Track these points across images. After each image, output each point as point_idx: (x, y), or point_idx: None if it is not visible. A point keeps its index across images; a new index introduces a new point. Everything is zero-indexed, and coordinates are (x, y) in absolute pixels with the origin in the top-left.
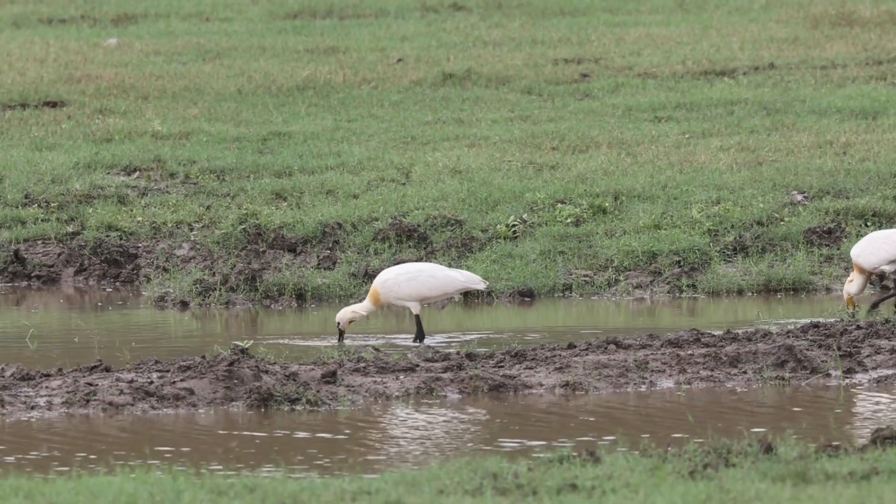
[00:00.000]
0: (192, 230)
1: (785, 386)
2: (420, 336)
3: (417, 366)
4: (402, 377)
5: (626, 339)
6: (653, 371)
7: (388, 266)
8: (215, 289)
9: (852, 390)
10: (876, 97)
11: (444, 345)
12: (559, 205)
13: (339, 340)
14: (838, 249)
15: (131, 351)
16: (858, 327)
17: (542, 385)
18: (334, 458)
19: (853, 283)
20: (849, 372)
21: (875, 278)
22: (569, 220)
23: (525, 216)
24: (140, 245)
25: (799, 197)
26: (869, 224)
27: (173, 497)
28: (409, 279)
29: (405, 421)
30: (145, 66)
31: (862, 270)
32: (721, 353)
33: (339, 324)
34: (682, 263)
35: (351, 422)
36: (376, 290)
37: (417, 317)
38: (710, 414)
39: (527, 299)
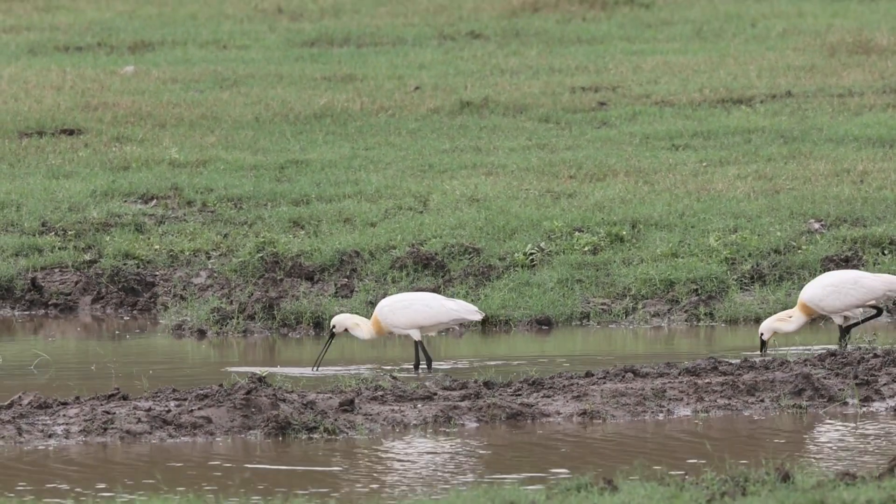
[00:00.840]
0: (209, 258)
1: (802, 414)
2: (417, 364)
3: (435, 394)
4: (419, 405)
5: (643, 368)
6: (670, 399)
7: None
8: (233, 317)
9: (869, 419)
10: (893, 125)
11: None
12: (577, 233)
13: (328, 339)
14: None
15: (149, 379)
16: (875, 356)
17: (559, 413)
18: (352, 487)
19: (791, 322)
20: (866, 400)
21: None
22: (586, 249)
23: (542, 244)
24: (157, 273)
25: (816, 225)
26: (886, 252)
27: None
28: (404, 307)
29: (422, 449)
30: (162, 93)
31: (811, 312)
32: (738, 382)
33: (333, 327)
34: (699, 292)
35: (369, 450)
36: (376, 317)
37: (418, 344)
38: (727, 442)
39: (544, 328)
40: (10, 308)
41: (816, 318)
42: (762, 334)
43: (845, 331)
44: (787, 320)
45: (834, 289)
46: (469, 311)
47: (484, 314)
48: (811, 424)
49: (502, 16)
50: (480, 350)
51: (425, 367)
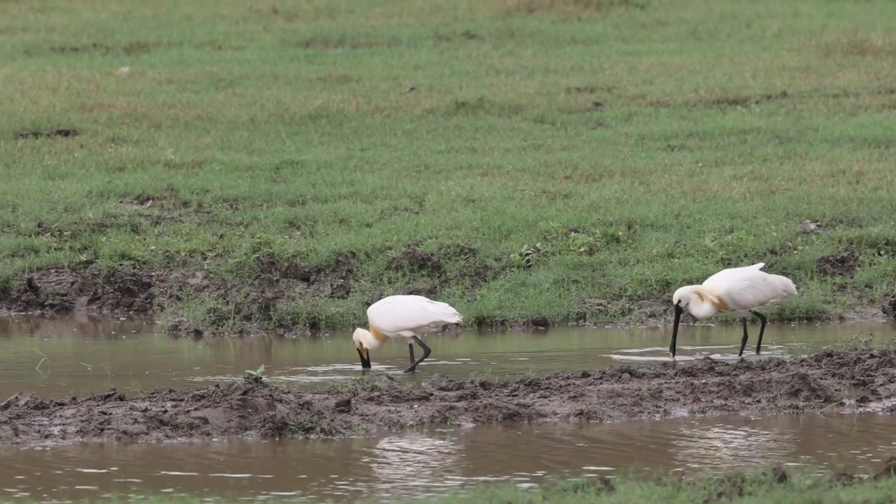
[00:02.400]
0: (205, 259)
1: (799, 415)
2: (413, 367)
3: (432, 395)
4: (416, 406)
5: (639, 368)
6: (667, 400)
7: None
8: (229, 317)
9: (866, 419)
10: (889, 126)
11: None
12: (572, 233)
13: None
14: (851, 278)
15: (144, 380)
16: (872, 356)
17: (556, 414)
18: (349, 488)
19: (702, 307)
20: (862, 401)
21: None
22: (582, 249)
23: (538, 245)
24: (153, 274)
25: (812, 226)
26: (882, 253)
27: None
28: (388, 310)
29: (419, 450)
30: (158, 94)
31: (723, 306)
32: (735, 382)
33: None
34: None
35: (365, 451)
36: (370, 323)
37: (410, 345)
38: (724, 442)
39: (541, 328)
40: (6, 309)
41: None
42: (679, 300)
43: (745, 338)
44: (699, 301)
45: (749, 283)
46: (447, 314)
47: (461, 317)
48: (808, 425)
49: (497, 16)
50: (476, 349)
51: (418, 365)
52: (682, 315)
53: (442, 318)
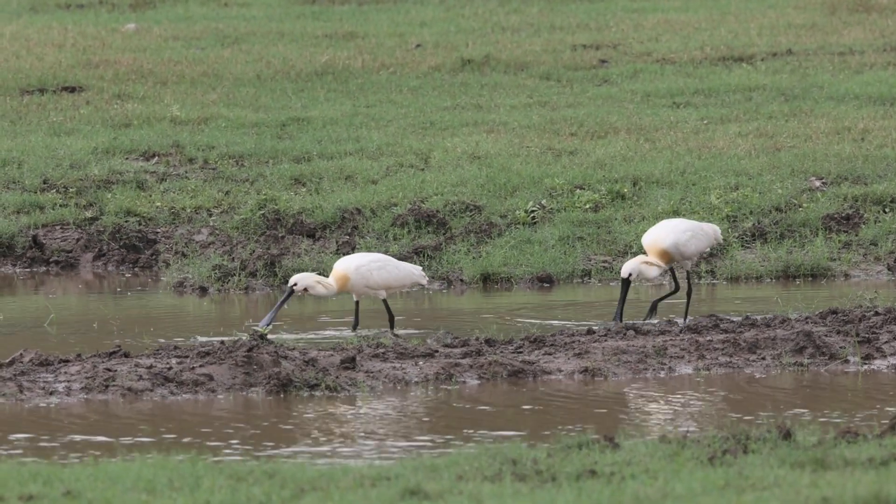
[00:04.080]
0: (210, 215)
1: (804, 372)
2: (354, 323)
3: (436, 351)
4: (421, 363)
5: (644, 325)
6: (672, 357)
7: (407, 252)
8: (234, 274)
9: (871, 376)
10: (894, 83)
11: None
12: (578, 190)
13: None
14: (856, 236)
15: (150, 336)
16: (877, 313)
17: (560, 371)
18: (353, 444)
19: (654, 269)
20: (867, 358)
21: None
22: (587, 206)
23: (544, 202)
24: (159, 230)
25: (817, 183)
26: (887, 210)
27: (192, 483)
28: (373, 270)
29: (424, 406)
30: (164, 51)
31: (670, 259)
32: (740, 339)
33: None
34: None
35: (370, 407)
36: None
37: (384, 301)
38: (729, 400)
39: (546, 285)
40: (11, 265)
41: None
42: (630, 274)
43: (654, 305)
44: (650, 265)
45: (692, 234)
46: (417, 276)
47: (427, 279)
48: (812, 382)
49: None
50: (482, 305)
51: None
52: (629, 287)
53: (418, 280)
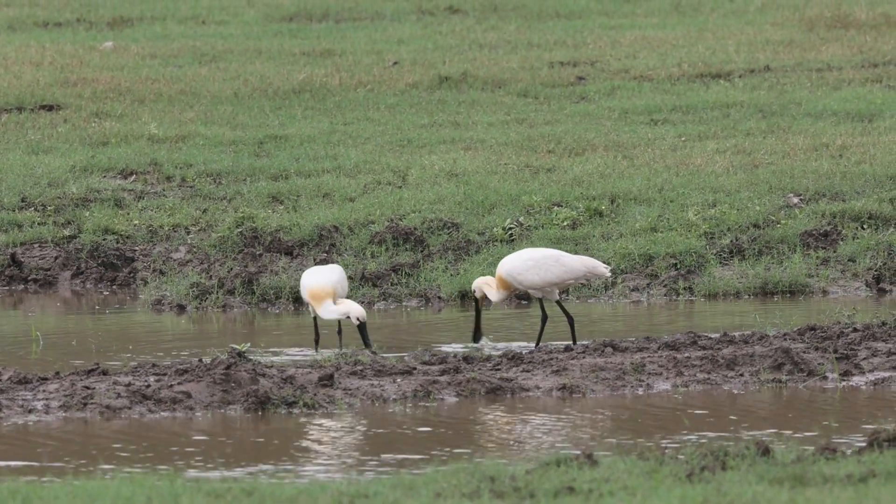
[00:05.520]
0: (188, 233)
1: (782, 388)
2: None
3: (415, 369)
4: (399, 380)
5: (622, 342)
6: (650, 374)
7: (385, 269)
8: (212, 292)
9: (849, 393)
10: (872, 100)
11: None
12: (555, 208)
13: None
14: (834, 252)
15: (128, 354)
16: (855, 330)
17: (539, 388)
18: (332, 462)
19: (494, 293)
20: (846, 374)
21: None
22: (565, 223)
23: (521, 219)
24: (137, 248)
25: (795, 200)
26: (865, 226)
27: (171, 501)
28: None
29: (402, 423)
30: (141, 69)
31: (508, 286)
32: (718, 356)
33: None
34: (678, 266)
35: (348, 425)
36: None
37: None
38: (706, 417)
39: (524, 302)
40: None
41: (518, 295)
42: (475, 291)
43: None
44: (491, 288)
45: (534, 263)
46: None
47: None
48: (791, 399)
49: None
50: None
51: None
52: (481, 305)
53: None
